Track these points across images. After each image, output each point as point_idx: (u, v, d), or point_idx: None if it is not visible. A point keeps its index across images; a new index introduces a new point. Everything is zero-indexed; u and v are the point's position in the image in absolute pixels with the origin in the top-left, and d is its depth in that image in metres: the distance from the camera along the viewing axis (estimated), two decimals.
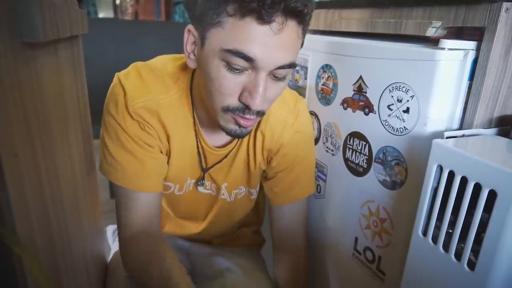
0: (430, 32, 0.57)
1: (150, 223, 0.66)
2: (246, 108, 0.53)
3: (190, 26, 0.55)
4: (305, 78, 0.83)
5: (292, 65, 0.52)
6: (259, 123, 0.68)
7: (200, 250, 0.86)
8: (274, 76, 0.52)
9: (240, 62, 0.49)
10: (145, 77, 0.62)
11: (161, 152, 0.65)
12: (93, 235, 0.72)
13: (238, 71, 0.50)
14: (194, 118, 0.64)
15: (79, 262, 0.60)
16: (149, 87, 0.61)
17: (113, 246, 0.91)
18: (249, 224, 0.89)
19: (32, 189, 0.40)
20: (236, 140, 0.68)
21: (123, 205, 0.65)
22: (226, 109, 0.54)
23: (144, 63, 0.65)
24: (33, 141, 0.41)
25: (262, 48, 0.48)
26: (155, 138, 0.63)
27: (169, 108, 0.62)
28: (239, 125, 0.56)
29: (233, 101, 0.53)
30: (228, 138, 0.68)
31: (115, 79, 0.63)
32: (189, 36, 0.55)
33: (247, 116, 0.54)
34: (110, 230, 0.99)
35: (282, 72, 0.52)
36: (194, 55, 0.56)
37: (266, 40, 0.48)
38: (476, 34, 0.53)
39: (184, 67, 0.64)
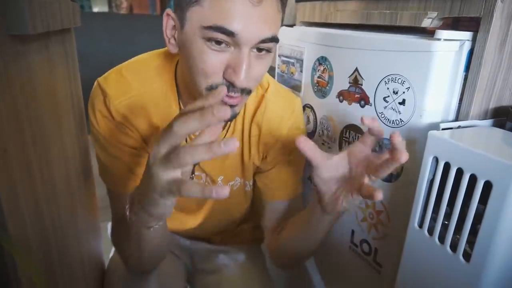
0: (426, 23, 0.57)
1: None
2: (230, 85, 0.52)
3: (168, 10, 0.54)
4: (301, 71, 0.82)
5: (274, 39, 0.52)
6: (255, 115, 0.68)
7: (201, 248, 0.86)
8: (257, 51, 0.52)
9: (221, 37, 0.49)
10: (126, 75, 0.62)
11: (148, 153, 0.65)
12: (90, 233, 0.72)
13: (220, 47, 0.50)
14: (180, 109, 0.64)
15: (75, 261, 0.60)
16: (131, 84, 0.61)
17: None
18: (248, 221, 0.89)
19: (24, 185, 0.39)
20: (226, 129, 0.67)
21: (115, 209, 0.67)
22: (210, 88, 0.53)
23: (124, 62, 0.65)
24: (24, 136, 0.40)
25: (242, 21, 0.48)
26: (137, 140, 0.63)
27: (154, 101, 0.62)
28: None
29: (217, 79, 0.52)
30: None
31: (94, 85, 0.63)
32: (168, 20, 0.55)
33: (232, 94, 0.53)
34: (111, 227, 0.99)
35: (264, 46, 0.52)
36: (175, 39, 0.56)
37: (246, 13, 0.47)
38: (472, 24, 0.52)
39: (167, 59, 0.64)
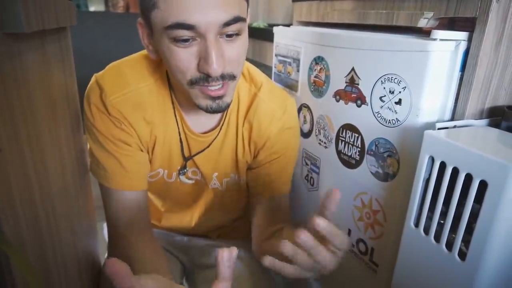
0: (422, 23, 0.57)
1: (133, 223, 0.66)
2: (207, 77, 0.52)
3: (140, 19, 0.56)
4: (298, 71, 0.82)
5: (238, 19, 0.51)
6: (247, 111, 0.68)
7: (198, 243, 0.86)
8: (226, 36, 0.52)
9: (183, 33, 0.49)
10: (123, 71, 0.63)
11: (142, 151, 0.66)
12: (86, 233, 0.72)
13: (186, 43, 0.50)
14: (173, 104, 0.65)
15: (71, 261, 0.59)
16: (128, 79, 0.62)
17: None
18: (244, 216, 0.89)
19: (19, 185, 0.39)
20: (221, 124, 0.67)
21: (106, 203, 0.67)
22: (191, 83, 0.54)
23: (121, 59, 0.66)
24: (19, 136, 0.40)
25: (197, 12, 0.48)
26: (132, 136, 0.63)
27: (149, 96, 0.63)
28: (212, 98, 0.55)
29: (193, 73, 0.53)
30: (213, 122, 0.68)
31: (91, 80, 0.63)
32: (143, 29, 0.57)
33: (213, 83, 0.53)
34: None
35: (231, 29, 0.51)
36: (152, 45, 0.57)
37: (200, 3, 0.48)
38: (468, 25, 0.53)
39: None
